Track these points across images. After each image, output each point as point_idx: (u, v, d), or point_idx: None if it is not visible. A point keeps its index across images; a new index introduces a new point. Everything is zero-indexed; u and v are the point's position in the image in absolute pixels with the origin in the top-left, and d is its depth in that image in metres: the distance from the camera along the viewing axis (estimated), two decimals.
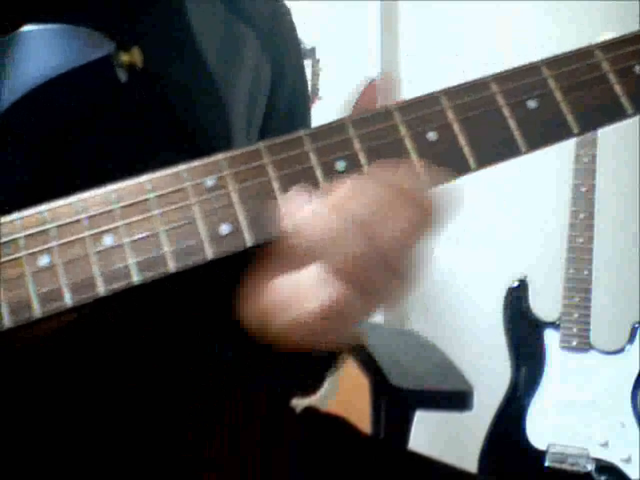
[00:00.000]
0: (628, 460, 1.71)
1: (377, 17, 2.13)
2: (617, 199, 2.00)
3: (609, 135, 1.80)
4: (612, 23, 1.91)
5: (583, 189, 1.77)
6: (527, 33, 2.02)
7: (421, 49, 2.11)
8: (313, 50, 2.13)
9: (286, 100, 0.77)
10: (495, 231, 2.10)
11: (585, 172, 1.77)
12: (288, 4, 0.80)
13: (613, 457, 1.72)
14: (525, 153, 0.51)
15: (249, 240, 0.49)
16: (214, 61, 0.68)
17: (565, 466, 1.74)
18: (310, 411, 0.81)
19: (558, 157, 1.90)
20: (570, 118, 0.50)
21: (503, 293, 1.85)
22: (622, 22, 1.92)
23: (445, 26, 2.10)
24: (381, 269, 0.48)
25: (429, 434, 1.97)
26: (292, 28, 0.80)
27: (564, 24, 2.01)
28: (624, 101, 0.51)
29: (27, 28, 0.55)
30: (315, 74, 2.13)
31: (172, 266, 0.48)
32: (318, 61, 2.13)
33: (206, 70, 0.67)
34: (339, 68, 2.12)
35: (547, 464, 1.76)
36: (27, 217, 0.49)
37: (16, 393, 0.57)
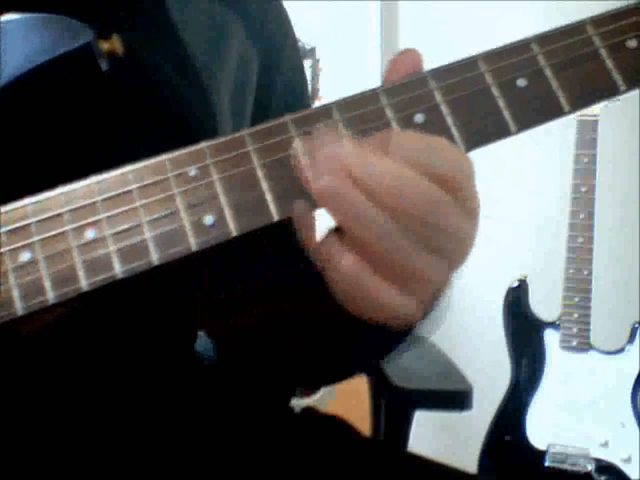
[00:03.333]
0: (628, 460, 1.71)
1: (377, 17, 2.13)
2: (617, 199, 2.00)
3: (609, 135, 1.80)
4: None
5: (583, 189, 1.77)
6: (527, 33, 2.02)
7: (421, 49, 2.11)
8: (312, 50, 2.12)
9: (283, 86, 0.75)
10: (495, 231, 2.10)
11: (585, 172, 1.76)
12: (288, 4, 0.80)
13: (613, 456, 1.72)
14: (515, 133, 0.49)
15: (233, 230, 0.48)
16: (197, 47, 0.67)
17: (565, 466, 1.74)
18: (309, 411, 0.81)
19: (558, 156, 1.90)
20: (561, 95, 0.49)
21: (503, 293, 1.85)
22: None
23: (445, 26, 2.10)
24: (412, 247, 0.46)
25: (429, 434, 1.97)
26: (283, 13, 0.79)
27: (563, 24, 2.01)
28: (616, 76, 0.49)
29: (2, 18, 0.54)
30: (315, 74, 2.12)
31: (155, 258, 0.47)
32: (318, 60, 2.13)
33: (187, 56, 0.66)
34: (339, 68, 2.12)
35: (546, 464, 1.76)
36: (7, 211, 0.48)
37: (6, 388, 0.57)
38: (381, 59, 2.12)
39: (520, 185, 2.07)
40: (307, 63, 2.13)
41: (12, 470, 0.57)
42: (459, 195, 0.47)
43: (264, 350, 0.63)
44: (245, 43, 0.72)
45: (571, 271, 1.77)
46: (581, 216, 1.76)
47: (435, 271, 0.48)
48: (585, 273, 1.76)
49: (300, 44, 2.12)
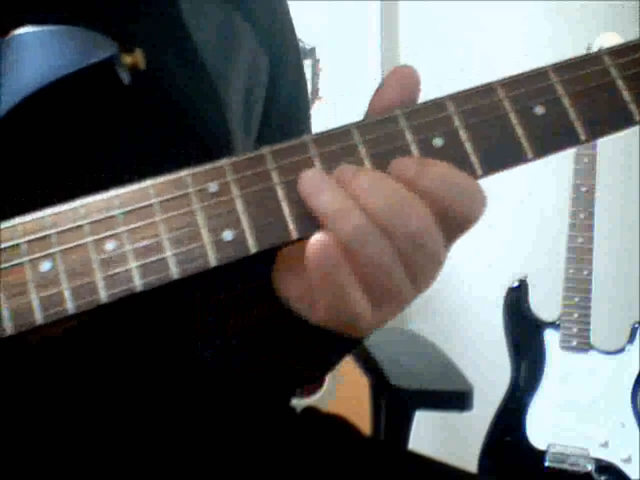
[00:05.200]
0: (628, 460, 1.71)
1: (377, 16, 2.13)
2: (617, 198, 2.00)
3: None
4: (612, 23, 1.91)
5: (583, 189, 1.77)
6: (527, 34, 2.03)
7: (421, 49, 2.11)
8: (312, 50, 2.12)
9: (286, 95, 0.76)
10: (495, 231, 2.10)
11: (585, 172, 1.77)
12: (289, 4, 0.80)
13: (613, 457, 1.73)
14: (531, 159, 0.50)
15: (252, 246, 0.48)
16: (210, 55, 0.67)
17: (564, 466, 1.74)
18: (310, 410, 0.81)
19: (558, 157, 1.89)
20: (577, 125, 0.50)
21: (503, 293, 1.85)
22: (622, 22, 1.92)
23: (445, 26, 2.10)
24: (399, 268, 0.48)
25: (429, 434, 1.97)
26: (290, 26, 0.79)
27: (563, 25, 2.02)
28: (632, 107, 0.50)
29: (26, 29, 0.55)
30: (315, 74, 2.12)
31: (174, 272, 0.48)
32: (318, 60, 2.13)
33: (203, 66, 0.66)
34: (339, 68, 2.12)
35: (546, 464, 1.76)
36: (28, 222, 0.48)
37: (17, 396, 0.57)
38: (381, 59, 2.12)
39: (520, 184, 2.07)
40: (307, 63, 2.13)
41: (15, 472, 0.57)
42: (451, 233, 0.49)
43: (264, 350, 0.63)
44: (256, 50, 0.72)
45: (571, 271, 1.77)
46: (581, 216, 1.76)
47: (406, 293, 0.50)
48: (585, 273, 1.76)
49: (300, 44, 2.13)
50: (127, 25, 0.62)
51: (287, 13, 0.79)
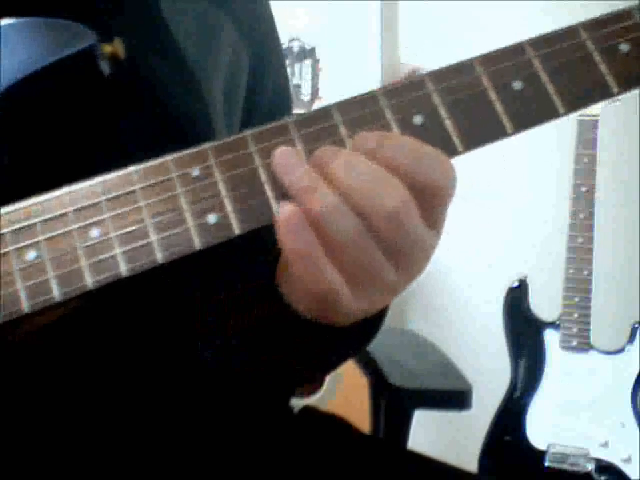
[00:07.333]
0: (628, 460, 1.71)
1: (377, 16, 2.13)
2: (617, 199, 2.00)
3: (609, 135, 1.80)
4: None
5: (583, 189, 1.77)
6: (527, 34, 2.02)
7: (421, 49, 2.11)
8: (312, 50, 2.12)
9: (269, 95, 0.76)
10: (495, 231, 2.10)
11: (585, 172, 1.77)
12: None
13: (613, 457, 1.72)
14: (511, 134, 0.50)
15: (236, 228, 0.48)
16: (190, 49, 0.67)
17: (565, 466, 1.74)
18: (309, 410, 0.81)
19: (558, 157, 1.90)
20: (556, 98, 0.50)
21: (503, 293, 1.85)
22: None
23: (445, 26, 2.10)
24: (375, 249, 0.48)
25: (429, 434, 1.97)
26: (271, 19, 0.79)
27: (563, 24, 2.01)
28: (609, 80, 0.50)
29: (4, 21, 0.54)
30: (315, 74, 2.13)
31: (160, 256, 0.48)
32: (318, 60, 2.13)
33: (183, 60, 0.66)
34: (339, 68, 2.12)
35: (546, 464, 1.76)
36: (13, 211, 0.48)
37: (5, 388, 0.57)
38: (381, 59, 2.12)
39: (520, 185, 2.07)
40: (306, 63, 2.13)
41: (12, 470, 0.57)
42: (430, 207, 0.48)
43: (264, 350, 0.64)
44: (237, 44, 0.72)
45: (571, 271, 1.77)
46: (581, 216, 1.76)
47: (389, 278, 0.49)
48: (585, 273, 1.76)
49: (300, 44, 2.13)
50: (106, 16, 0.62)
51: (270, 13, 0.79)
